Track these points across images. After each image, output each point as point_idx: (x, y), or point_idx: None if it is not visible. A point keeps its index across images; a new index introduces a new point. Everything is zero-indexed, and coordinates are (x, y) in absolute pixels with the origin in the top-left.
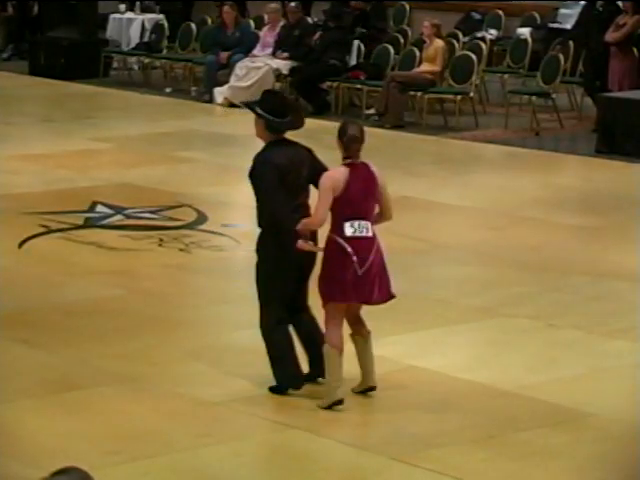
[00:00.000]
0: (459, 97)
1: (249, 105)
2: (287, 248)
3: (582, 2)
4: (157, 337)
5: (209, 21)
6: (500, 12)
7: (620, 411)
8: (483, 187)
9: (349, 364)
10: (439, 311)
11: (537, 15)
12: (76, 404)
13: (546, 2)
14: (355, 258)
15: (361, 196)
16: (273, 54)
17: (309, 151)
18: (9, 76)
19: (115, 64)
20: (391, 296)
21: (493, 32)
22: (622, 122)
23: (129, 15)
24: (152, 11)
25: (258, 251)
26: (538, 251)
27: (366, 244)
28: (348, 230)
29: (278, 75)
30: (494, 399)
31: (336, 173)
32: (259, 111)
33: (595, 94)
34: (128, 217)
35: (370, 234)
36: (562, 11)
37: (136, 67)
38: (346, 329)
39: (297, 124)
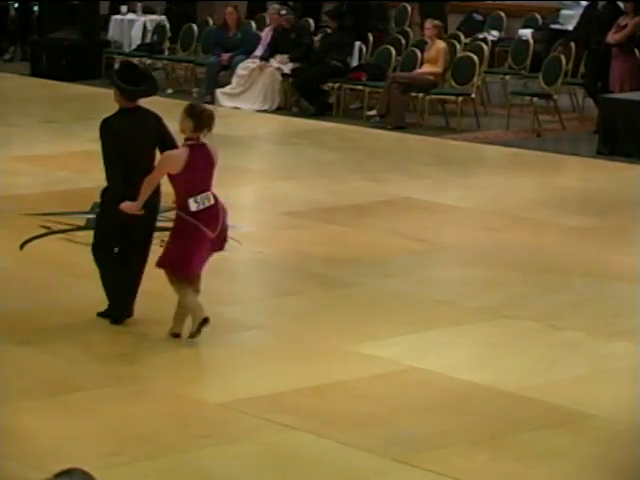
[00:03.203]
0: (460, 98)
1: (110, 75)
2: (107, 212)
3: (584, 3)
4: (158, 338)
5: (211, 22)
6: (502, 13)
7: (621, 412)
8: (484, 188)
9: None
10: (440, 312)
11: (539, 16)
12: (77, 405)
13: (548, 3)
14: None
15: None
16: (271, 55)
17: (158, 119)
18: (11, 77)
19: (117, 65)
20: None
21: (495, 33)
22: (623, 123)
23: (131, 16)
24: (153, 12)
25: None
26: (539, 252)
27: (212, 212)
28: (192, 205)
29: (283, 75)
30: (495, 400)
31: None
32: (115, 80)
33: (596, 95)
34: None
35: (212, 202)
36: (564, 12)
37: None
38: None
39: (150, 92)
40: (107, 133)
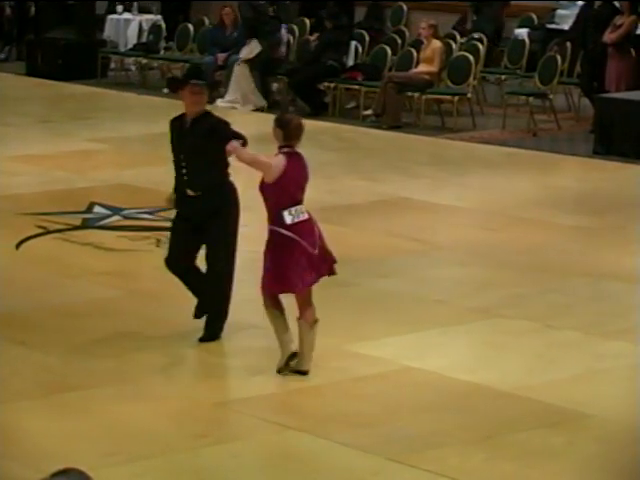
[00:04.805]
0: (456, 98)
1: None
2: None
3: (579, 3)
4: (155, 338)
5: (207, 22)
6: None
7: (618, 412)
8: (480, 188)
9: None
10: (436, 312)
11: (534, 16)
12: (74, 405)
13: (544, 3)
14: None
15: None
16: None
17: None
18: (6, 77)
19: (113, 65)
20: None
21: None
22: (619, 123)
23: (126, 16)
24: (149, 12)
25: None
26: (536, 252)
27: (308, 226)
28: (287, 218)
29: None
30: (492, 400)
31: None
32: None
33: (592, 95)
34: (125, 218)
35: (307, 216)
36: (559, 12)
37: (133, 68)
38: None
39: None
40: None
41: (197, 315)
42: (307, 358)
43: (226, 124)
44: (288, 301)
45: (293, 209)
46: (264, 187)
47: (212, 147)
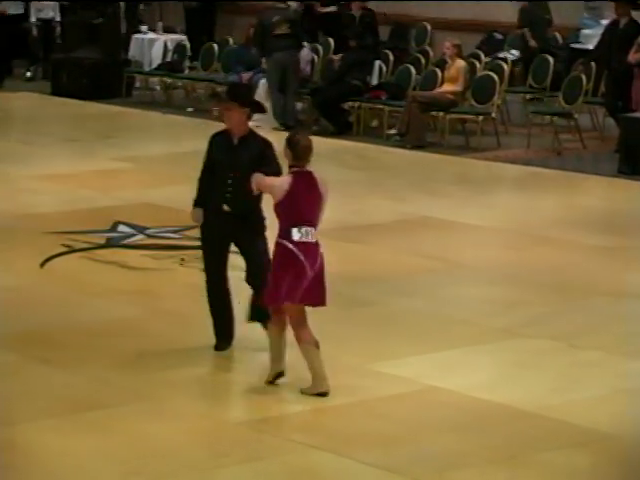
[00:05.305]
0: (481, 117)
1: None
2: None
3: (604, 22)
4: (178, 356)
5: (231, 41)
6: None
7: None
8: (505, 207)
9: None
10: (460, 331)
11: (559, 36)
12: (97, 423)
13: (568, 22)
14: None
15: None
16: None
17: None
18: (32, 96)
19: (137, 84)
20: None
21: (515, 52)
22: None
23: (151, 35)
24: (174, 31)
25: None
26: (560, 271)
27: (313, 249)
28: (295, 235)
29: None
30: (515, 420)
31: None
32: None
33: (617, 114)
34: (150, 237)
35: (315, 240)
36: (584, 32)
37: (158, 87)
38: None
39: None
40: None
41: (220, 347)
42: (321, 378)
43: (273, 152)
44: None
45: (303, 229)
46: (275, 206)
47: (259, 171)
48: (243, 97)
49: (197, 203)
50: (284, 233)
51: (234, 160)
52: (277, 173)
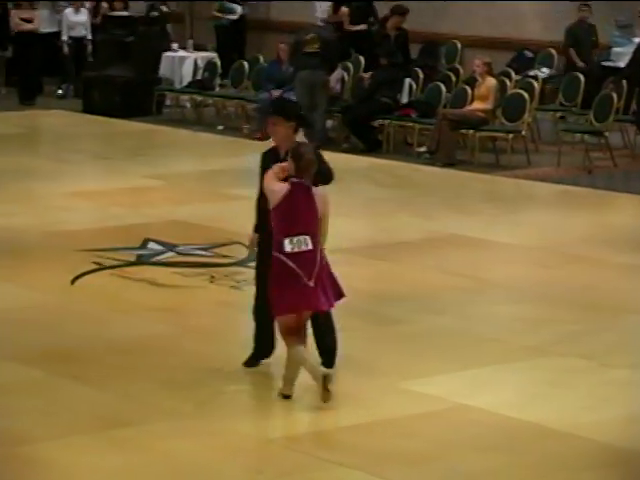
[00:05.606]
0: (511, 135)
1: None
2: None
3: (636, 40)
4: (207, 374)
5: (261, 59)
6: (552, 50)
7: None
8: (535, 225)
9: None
10: (490, 349)
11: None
12: (127, 441)
13: (599, 40)
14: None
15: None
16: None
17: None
18: (63, 114)
19: (168, 102)
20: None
21: (545, 70)
22: None
23: (182, 53)
24: (205, 49)
25: None
26: (590, 289)
27: (309, 257)
28: (287, 246)
29: None
30: (545, 439)
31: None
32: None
33: None
34: (180, 254)
35: (310, 247)
36: (615, 49)
37: (188, 105)
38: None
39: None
40: None
41: (250, 363)
42: (290, 383)
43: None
44: None
45: (295, 239)
46: (271, 213)
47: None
48: (288, 111)
49: (257, 228)
50: (277, 245)
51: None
52: (326, 174)
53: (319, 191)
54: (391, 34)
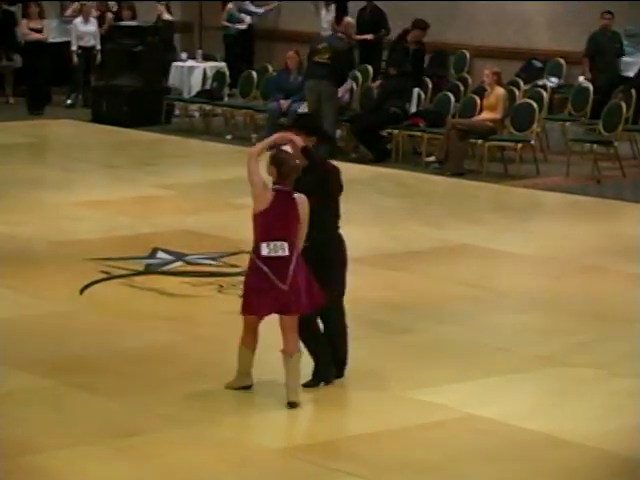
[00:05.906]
0: (520, 145)
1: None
2: None
3: None
4: (217, 383)
5: (270, 69)
6: (561, 60)
7: None
8: (544, 235)
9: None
10: (499, 359)
11: None
12: (136, 450)
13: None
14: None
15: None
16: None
17: None
18: (72, 123)
19: (177, 111)
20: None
21: (554, 80)
22: None
23: (190, 63)
24: (214, 59)
25: None
26: (600, 299)
27: (283, 263)
28: (264, 250)
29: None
30: (555, 449)
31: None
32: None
33: None
34: (188, 263)
35: (287, 253)
36: (624, 59)
37: (197, 114)
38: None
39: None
40: None
41: (312, 384)
42: (245, 375)
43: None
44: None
45: (272, 244)
46: (253, 216)
47: (324, 197)
48: (310, 126)
49: None
50: (255, 247)
51: (301, 189)
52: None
53: (300, 197)
54: (410, 47)
